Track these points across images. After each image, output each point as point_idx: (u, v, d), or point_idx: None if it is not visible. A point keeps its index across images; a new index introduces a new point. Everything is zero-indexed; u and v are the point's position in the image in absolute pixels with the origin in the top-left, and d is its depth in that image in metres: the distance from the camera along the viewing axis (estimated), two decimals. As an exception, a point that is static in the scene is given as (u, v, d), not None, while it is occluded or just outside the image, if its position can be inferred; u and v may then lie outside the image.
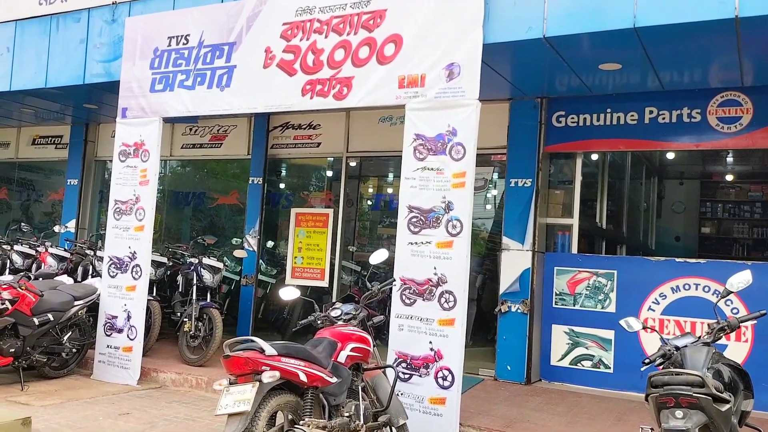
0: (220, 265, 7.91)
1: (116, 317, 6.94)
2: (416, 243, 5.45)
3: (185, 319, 7.42)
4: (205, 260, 7.77)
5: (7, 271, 8.67)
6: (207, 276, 7.66)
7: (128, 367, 6.82)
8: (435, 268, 5.32)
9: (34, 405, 5.72)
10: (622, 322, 4.22)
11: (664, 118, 6.85)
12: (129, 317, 6.87)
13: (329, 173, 9.24)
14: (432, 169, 5.45)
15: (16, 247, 8.85)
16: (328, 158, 9.05)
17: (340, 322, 4.65)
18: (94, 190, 10.61)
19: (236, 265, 9.31)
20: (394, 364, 5.32)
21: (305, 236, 8.54)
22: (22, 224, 9.31)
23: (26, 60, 8.20)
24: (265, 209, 9.02)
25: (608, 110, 7.07)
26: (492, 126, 6.96)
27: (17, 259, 8.74)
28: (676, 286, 6.62)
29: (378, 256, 5.12)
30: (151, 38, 6.98)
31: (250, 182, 9.02)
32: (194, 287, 7.61)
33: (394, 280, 5.31)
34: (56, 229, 9.30)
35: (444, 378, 5.21)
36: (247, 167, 9.25)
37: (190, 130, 9.72)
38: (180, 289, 8.04)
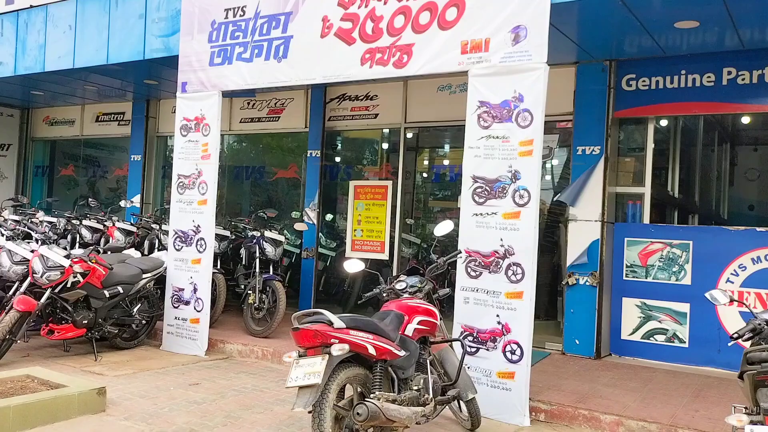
0: (281, 238, 7.94)
1: (183, 290, 7.06)
2: (481, 214, 5.30)
3: (249, 292, 7.49)
4: (267, 233, 7.81)
5: (77, 245, 8.94)
6: (269, 249, 7.71)
7: (196, 338, 6.95)
8: (501, 240, 5.17)
9: (107, 375, 5.89)
10: (707, 295, 3.99)
11: (743, 79, 6.43)
12: (195, 289, 6.98)
13: (387, 145, 9.12)
14: (497, 137, 5.26)
15: (84, 222, 9.11)
16: (386, 129, 8.92)
17: (405, 295, 4.57)
18: (157, 166, 10.81)
19: (296, 238, 9.35)
20: (461, 337, 5.22)
21: (364, 209, 8.48)
22: (90, 200, 9.57)
23: (88, 37, 8.33)
24: (324, 182, 9.00)
25: (682, 72, 6.68)
26: (557, 92, 6.65)
27: (86, 234, 9.00)
28: (757, 257, 6.26)
29: (443, 228, 4.99)
30: (208, 11, 6.96)
31: (308, 155, 9.00)
32: (257, 260, 7.67)
33: (460, 252, 5.18)
34: (122, 203, 9.53)
35: (512, 352, 5.08)
36: (304, 140, 9.23)
37: (248, 104, 9.74)
38: (243, 262, 8.13)
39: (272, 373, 6.31)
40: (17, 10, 9.10)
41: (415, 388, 4.11)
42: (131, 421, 4.68)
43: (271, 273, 7.66)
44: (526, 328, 5.06)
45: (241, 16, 6.74)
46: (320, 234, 9.02)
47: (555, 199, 7.01)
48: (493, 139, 5.27)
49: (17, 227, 7.34)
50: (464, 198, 5.37)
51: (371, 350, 3.78)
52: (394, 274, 8.05)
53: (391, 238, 8.32)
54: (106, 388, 4.90)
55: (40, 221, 9.20)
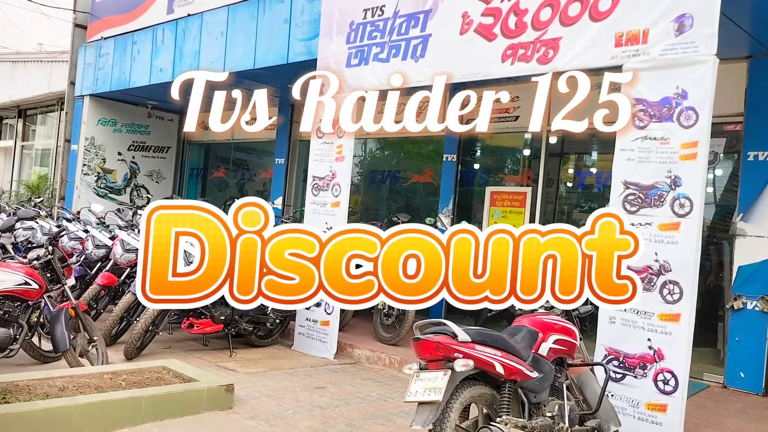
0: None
1: (314, 291, 7.06)
2: (633, 224, 4.71)
3: (379, 297, 7.36)
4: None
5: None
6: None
7: (326, 340, 6.92)
8: (656, 254, 4.58)
9: (239, 372, 5.98)
10: None
11: None
12: (326, 292, 6.95)
13: (528, 149, 8.63)
14: (654, 138, 4.69)
15: (229, 222, 9.49)
16: (527, 133, 8.44)
17: (540, 310, 4.15)
18: (299, 169, 11.08)
19: (430, 244, 9.11)
20: (604, 361, 4.69)
21: (501, 216, 8.07)
22: (235, 200, 9.97)
23: (237, 42, 8.68)
24: (459, 188, 8.70)
25: None
26: (723, 90, 5.81)
27: (231, 233, 9.36)
28: None
29: None
30: (347, 12, 6.94)
31: (444, 159, 8.75)
32: (388, 265, 7.51)
33: (606, 266, 4.64)
34: (264, 205, 9.84)
35: (665, 382, 4.47)
36: (441, 144, 8.99)
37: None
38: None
39: (398, 383, 6.10)
40: (176, 19, 9.73)
41: (549, 414, 3.70)
42: (255, 421, 4.67)
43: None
44: (682, 356, 4.43)
45: (379, 15, 6.64)
46: (454, 241, 8.71)
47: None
48: (650, 140, 4.71)
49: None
50: (613, 206, 4.84)
51: (499, 369, 3.43)
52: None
53: (530, 248, 7.82)
54: (234, 386, 4.94)
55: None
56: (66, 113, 12.54)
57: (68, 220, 8.25)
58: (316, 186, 7.16)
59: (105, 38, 11.43)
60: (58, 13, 15.57)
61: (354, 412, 5.08)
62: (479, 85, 8.13)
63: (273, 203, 10.43)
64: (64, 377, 4.66)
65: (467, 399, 3.38)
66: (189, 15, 9.51)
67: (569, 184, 8.67)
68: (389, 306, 7.25)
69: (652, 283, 4.60)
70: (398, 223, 8.39)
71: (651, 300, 4.58)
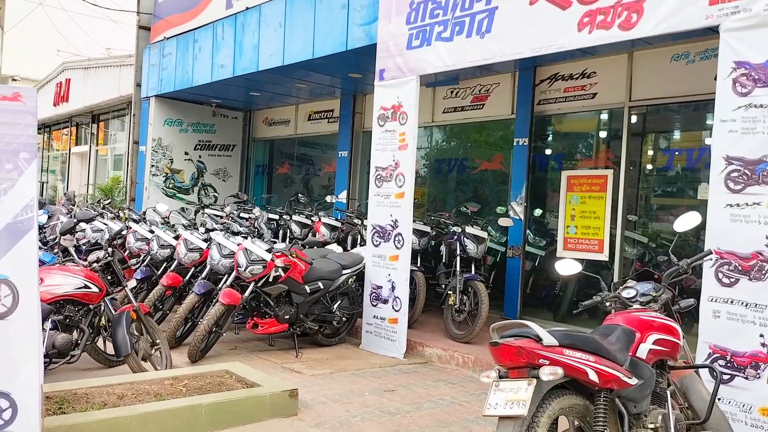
0: (484, 234, 7.28)
1: (381, 287, 6.74)
2: (738, 205, 4.15)
3: (449, 292, 6.95)
4: (469, 229, 7.20)
5: (287, 240, 9.15)
6: (471, 246, 7.09)
7: (394, 339, 6.58)
8: (767, 238, 3.98)
9: (305, 374, 5.72)
10: None
11: None
12: (393, 287, 6.62)
13: (607, 129, 7.99)
14: (760, 105, 4.08)
15: (294, 218, 9.31)
16: (606, 111, 7.80)
17: (635, 305, 3.64)
18: (362, 161, 10.77)
19: (501, 235, 8.63)
20: (708, 361, 4.13)
21: (579, 202, 7.48)
22: (300, 195, 9.78)
23: (295, 33, 8.43)
24: (532, 174, 8.16)
25: None
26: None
27: (295, 229, 9.17)
28: None
29: (687, 221, 3.94)
30: (406, -9, 6.54)
31: (514, 144, 8.23)
32: (458, 258, 7.11)
33: (709, 253, 4.07)
34: (328, 199, 9.59)
35: (785, 385, 3.88)
36: (511, 128, 8.47)
37: (451, 92, 9.23)
38: (443, 260, 7.63)
39: (473, 384, 5.69)
40: (235, 14, 9.58)
41: (651, 426, 3.21)
42: (321, 429, 4.36)
43: (472, 272, 7.04)
44: (805, 356, 3.83)
45: (440, -8, 6.21)
46: (528, 231, 8.20)
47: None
48: (755, 108, 4.10)
49: (226, 222, 7.61)
50: (714, 185, 4.26)
51: (592, 376, 2.96)
52: (615, 277, 6.96)
53: (612, 236, 7.23)
54: (297, 391, 4.65)
55: (256, 217, 9.64)
56: (133, 115, 12.71)
57: (135, 221, 8.24)
58: (379, 177, 6.81)
59: (167, 38, 11.46)
60: (124, 17, 15.86)
61: (426, 418, 4.70)
62: (552, 60, 7.64)
63: (337, 197, 10.17)
64: (124, 384, 4.50)
65: (556, 411, 2.93)
66: (247, 8, 9.34)
67: (654, 165, 7.98)
68: (461, 301, 6.83)
69: (764, 272, 4.01)
70: (467, 214, 8.00)
71: (763, 290, 4.00)
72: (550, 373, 2.81)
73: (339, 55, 7.92)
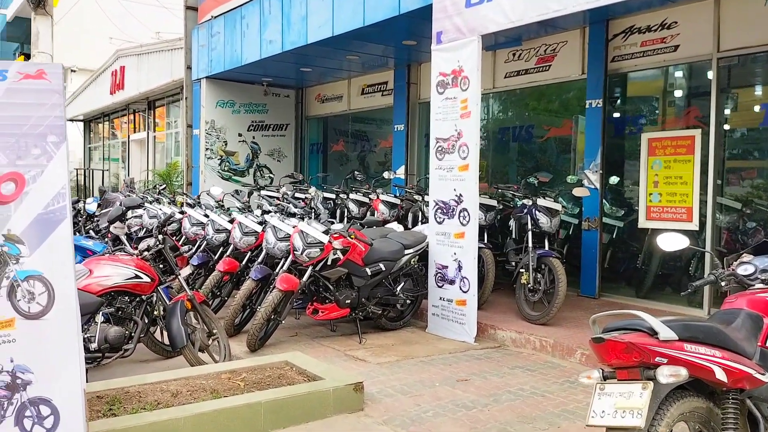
0: (557, 206, 6.69)
1: (446, 267, 6.27)
2: None
3: (521, 270, 6.42)
4: (541, 201, 6.63)
5: (345, 219, 8.78)
6: (543, 220, 6.53)
7: (463, 322, 6.12)
8: None
9: (370, 362, 5.34)
10: None
11: None
12: (460, 267, 6.14)
13: (692, 84, 7.22)
14: None
15: (351, 196, 8.92)
16: (690, 65, 7.02)
17: (757, 285, 3.06)
18: (420, 134, 10.27)
19: (574, 206, 8.00)
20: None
21: (662, 167, 6.79)
22: (356, 172, 9.37)
23: (344, 1, 7.95)
24: (607, 138, 7.48)
25: None
26: None
27: (353, 208, 8.78)
28: None
29: (672, 242, 3.30)
30: (465, -58, 5.95)
31: (586, 107, 7.55)
32: (529, 233, 6.56)
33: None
34: (386, 175, 9.15)
35: None
36: (581, 90, 7.79)
37: (513, 55, 8.58)
38: (513, 236, 7.08)
39: (554, 371, 5.18)
40: (281, -14, 9.18)
41: (790, 431, 2.66)
42: (389, 426, 3.97)
43: (546, 248, 6.48)
44: None
45: (502, -61, 5.59)
46: (604, 200, 7.55)
47: None
48: None
49: (281, 203, 7.27)
50: None
51: (720, 375, 2.44)
52: (707, 248, 6.26)
53: (701, 203, 6.52)
54: (363, 384, 4.27)
55: (311, 197, 9.31)
56: (185, 98, 12.54)
57: (190, 206, 8.02)
58: (440, 149, 6.31)
59: (215, 17, 11.17)
60: (172, 1, 15.71)
61: (506, 412, 4.24)
62: (627, 11, 6.91)
63: (395, 173, 9.71)
64: (179, 380, 4.21)
65: (675, 418, 2.42)
66: (293, -22, 8.91)
67: (747, 123, 7.16)
68: (534, 280, 6.29)
69: None
70: (534, 185, 7.41)
71: None
72: (670, 375, 2.30)
73: (391, 20, 7.40)
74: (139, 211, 7.95)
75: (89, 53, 24.72)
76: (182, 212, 7.86)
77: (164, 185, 10.44)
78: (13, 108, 3.05)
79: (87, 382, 4.63)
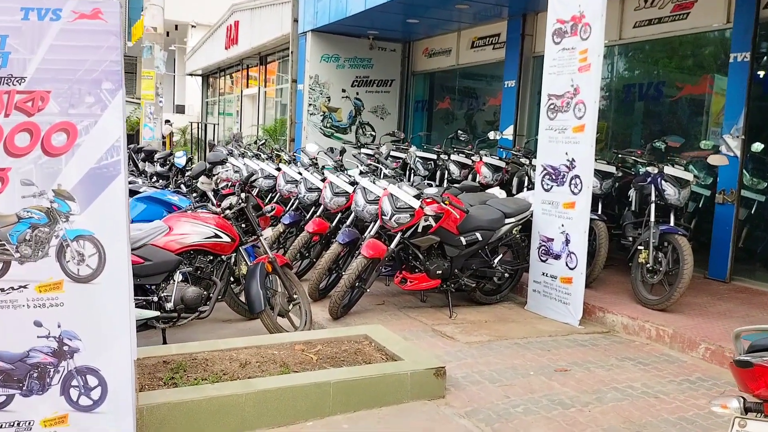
0: (688, 176, 5.81)
1: (552, 240, 5.64)
2: None
3: (640, 247, 5.66)
4: (668, 170, 5.77)
5: (445, 182, 8.27)
6: (670, 191, 5.69)
7: (568, 302, 5.50)
8: None
9: (458, 341, 4.87)
10: None
11: None
12: (567, 241, 5.49)
13: None
14: None
15: (453, 157, 8.36)
16: None
17: None
18: (532, 92, 9.45)
19: (706, 176, 7.02)
20: None
21: (821, 133, 5.71)
22: (459, 132, 8.77)
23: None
24: (752, 98, 6.41)
25: None
26: None
27: (454, 170, 8.24)
28: None
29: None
30: None
31: (730, 61, 6.49)
32: (652, 205, 5.75)
33: None
34: (491, 135, 8.48)
35: None
36: (723, 42, 6.74)
37: (645, 0, 7.55)
38: (632, 207, 6.29)
39: (671, 366, 4.49)
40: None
41: None
42: (471, 421, 3.51)
43: (671, 223, 5.67)
44: None
45: None
46: (744, 170, 6.53)
47: None
48: None
49: (372, 163, 6.86)
50: None
51: None
52: None
53: None
54: (445, 369, 3.82)
55: (405, 157, 8.87)
56: (291, 53, 12.35)
57: (287, 163, 7.81)
58: (552, 107, 5.61)
59: (321, -33, 10.80)
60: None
61: (610, 415, 3.65)
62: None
63: (502, 133, 9.00)
64: (250, 348, 3.96)
65: None
66: None
67: None
68: (655, 259, 5.52)
69: None
70: (661, 150, 6.51)
71: None
72: None
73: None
74: (239, 166, 7.84)
75: (205, 8, 25.29)
76: (278, 169, 7.68)
77: (264, 141, 10.33)
78: (67, 51, 2.78)
79: (165, 342, 4.55)
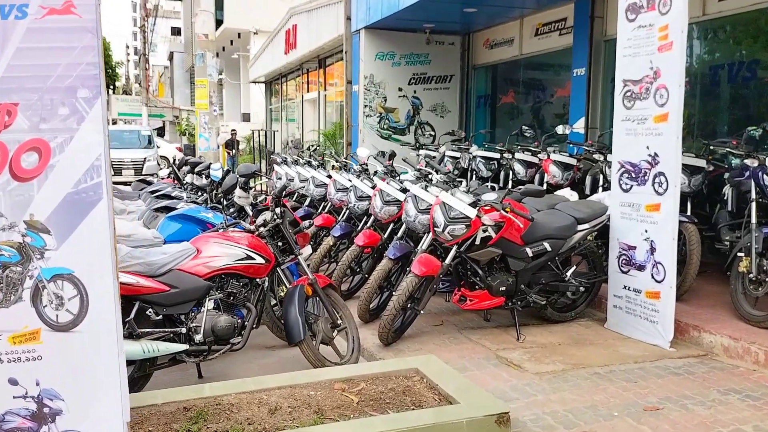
0: (797, 168, 4.93)
1: (634, 248, 4.89)
2: None
3: (740, 254, 4.82)
4: (771, 162, 4.92)
5: (510, 183, 7.57)
6: (775, 187, 4.83)
7: (656, 320, 4.74)
8: None
9: (527, 370, 4.22)
10: None
11: None
12: (652, 249, 4.73)
13: None
14: None
15: (517, 155, 7.65)
16: None
17: None
18: (605, 79, 8.60)
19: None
20: None
21: None
22: (524, 127, 8.02)
23: None
24: None
25: None
26: None
27: (519, 170, 7.53)
28: None
29: None
30: None
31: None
32: (752, 204, 4.91)
33: None
34: (560, 130, 7.69)
35: None
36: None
37: (733, -31, 6.63)
38: (728, 206, 5.43)
39: (790, 403, 3.70)
40: None
41: None
42: (543, 483, 2.87)
43: (778, 225, 4.81)
44: None
45: None
46: None
47: None
48: None
49: (422, 167, 6.24)
50: None
51: None
52: None
53: None
54: (509, 416, 3.19)
55: (458, 158, 8.23)
56: (345, 52, 11.90)
57: (346, 168, 7.34)
58: (628, 94, 4.86)
59: (372, -40, 10.29)
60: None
61: (719, 474, 2.93)
62: None
63: (572, 127, 8.19)
64: (283, 389, 3.45)
65: None
66: None
67: None
68: (759, 267, 4.68)
69: None
70: (756, 139, 5.62)
71: None
72: None
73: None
74: (292, 175, 7.43)
75: (267, 13, 25.29)
76: (329, 176, 7.22)
77: (315, 147, 9.91)
78: (36, 54, 2.37)
79: (200, 376, 4.14)
